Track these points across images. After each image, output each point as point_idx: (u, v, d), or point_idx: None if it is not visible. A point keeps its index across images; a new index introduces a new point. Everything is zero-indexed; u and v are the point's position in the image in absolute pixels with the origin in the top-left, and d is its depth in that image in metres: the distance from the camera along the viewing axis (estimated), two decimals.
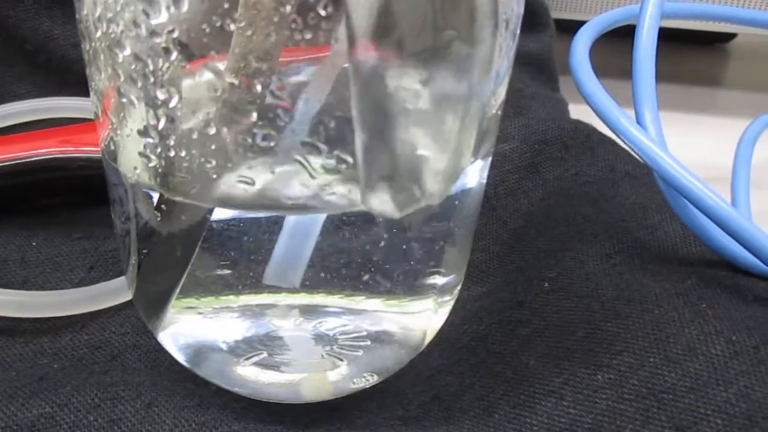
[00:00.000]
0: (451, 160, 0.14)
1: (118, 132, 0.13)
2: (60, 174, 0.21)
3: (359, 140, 0.12)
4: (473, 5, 0.12)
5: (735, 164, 0.25)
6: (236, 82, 0.11)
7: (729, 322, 0.16)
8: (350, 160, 0.12)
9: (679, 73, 0.42)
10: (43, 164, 0.21)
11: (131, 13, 0.11)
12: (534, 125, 0.25)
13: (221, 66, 0.11)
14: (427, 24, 0.12)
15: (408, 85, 0.12)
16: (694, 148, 0.31)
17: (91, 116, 0.24)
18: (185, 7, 0.11)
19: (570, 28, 0.25)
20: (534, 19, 0.30)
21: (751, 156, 0.25)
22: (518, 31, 0.14)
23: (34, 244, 0.21)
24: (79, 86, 0.25)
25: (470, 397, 0.17)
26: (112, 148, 0.14)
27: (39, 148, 0.21)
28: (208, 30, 0.11)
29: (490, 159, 0.16)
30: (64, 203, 0.22)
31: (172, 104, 0.11)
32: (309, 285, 0.15)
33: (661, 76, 0.20)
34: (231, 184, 0.12)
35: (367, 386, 0.18)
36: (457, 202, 0.15)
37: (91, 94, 0.14)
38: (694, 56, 0.46)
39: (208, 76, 0.11)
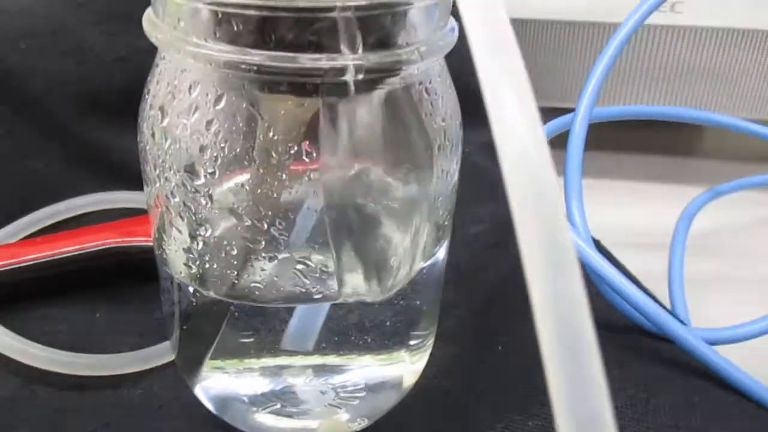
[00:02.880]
0: (409, 260, 0.19)
1: (169, 247, 0.18)
2: (120, 260, 0.26)
3: (333, 249, 0.17)
4: (415, 143, 0.18)
5: (674, 237, 0.30)
6: (250, 224, 0.16)
7: (631, 380, 0.20)
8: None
9: (640, 143, 0.46)
10: (107, 252, 0.26)
11: (180, 176, 0.16)
12: (503, 209, 0.30)
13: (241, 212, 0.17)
14: (383, 161, 0.17)
15: (370, 202, 0.18)
16: (646, 213, 0.35)
17: (144, 206, 0.29)
18: (217, 175, 0.16)
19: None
20: None
21: (688, 231, 0.30)
22: (457, 157, 0.19)
23: (97, 315, 0.26)
24: (135, 182, 0.31)
25: None
26: (164, 256, 0.19)
27: (104, 239, 0.26)
28: (233, 187, 0.16)
29: (445, 246, 0.21)
30: (122, 281, 0.27)
31: (207, 234, 0.17)
32: (320, 349, 0.20)
33: (621, 146, 0.24)
34: (247, 286, 0.17)
35: (360, 428, 0.22)
36: (419, 285, 0.20)
37: (149, 212, 0.20)
38: (661, 127, 0.50)
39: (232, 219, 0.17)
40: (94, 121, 0.30)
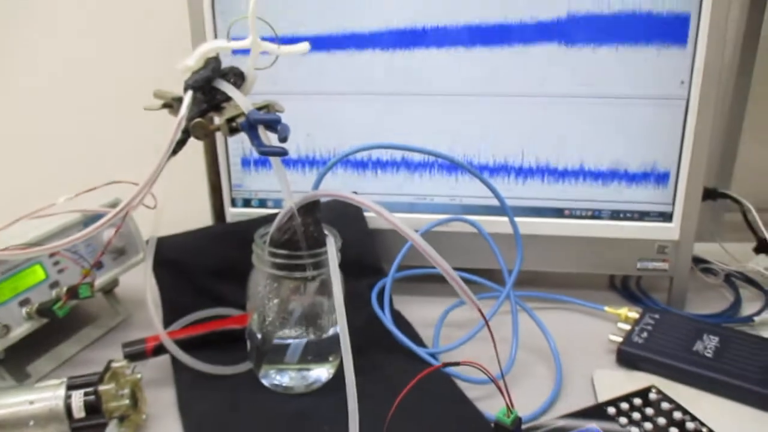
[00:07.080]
0: (325, 327, 0.63)
1: (253, 323, 0.62)
2: (225, 335, 0.69)
3: (305, 323, 0.61)
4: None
5: (438, 320, 0.74)
6: (281, 317, 0.60)
7: (391, 367, 0.64)
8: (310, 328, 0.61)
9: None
10: (220, 332, 0.69)
11: (261, 305, 0.60)
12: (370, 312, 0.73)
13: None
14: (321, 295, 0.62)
15: (315, 308, 0.62)
16: (430, 311, 0.79)
17: (231, 313, 0.73)
18: (272, 304, 0.60)
19: None
20: (376, 269, 0.80)
21: (446, 317, 0.74)
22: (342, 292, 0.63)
23: (217, 353, 0.68)
24: (229, 305, 0.74)
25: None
26: (252, 326, 0.62)
27: (217, 327, 0.70)
28: (275, 306, 0.60)
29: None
30: (226, 342, 0.70)
31: (267, 320, 0.61)
32: (300, 361, 0.63)
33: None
34: (279, 335, 0.61)
35: (314, 389, 0.65)
36: (330, 338, 0.63)
37: (248, 314, 0.63)
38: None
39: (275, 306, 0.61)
40: (211, 280, 0.74)
